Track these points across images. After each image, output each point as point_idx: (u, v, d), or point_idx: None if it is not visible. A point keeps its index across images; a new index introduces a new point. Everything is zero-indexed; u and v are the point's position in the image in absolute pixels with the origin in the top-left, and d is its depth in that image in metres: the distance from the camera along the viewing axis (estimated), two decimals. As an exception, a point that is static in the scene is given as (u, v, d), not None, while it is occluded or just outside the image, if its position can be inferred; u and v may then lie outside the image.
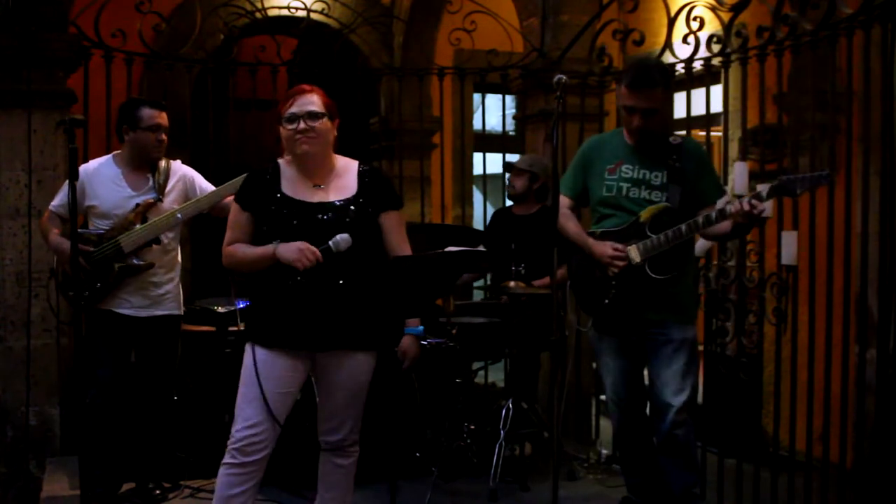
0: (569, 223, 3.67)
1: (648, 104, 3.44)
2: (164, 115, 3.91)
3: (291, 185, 3.02)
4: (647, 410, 3.76)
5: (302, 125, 2.97)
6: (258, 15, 5.67)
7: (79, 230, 3.79)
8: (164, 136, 3.90)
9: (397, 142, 7.22)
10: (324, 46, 6.67)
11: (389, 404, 4.41)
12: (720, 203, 3.46)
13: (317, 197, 3.01)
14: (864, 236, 3.76)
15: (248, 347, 3.01)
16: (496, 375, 5.88)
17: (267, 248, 2.94)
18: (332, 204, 3.00)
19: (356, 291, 2.98)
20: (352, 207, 3.01)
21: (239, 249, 3.03)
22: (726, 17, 4.26)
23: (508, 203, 5.24)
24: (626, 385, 3.70)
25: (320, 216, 2.97)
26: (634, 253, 3.48)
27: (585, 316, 3.84)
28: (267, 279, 2.99)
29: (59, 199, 3.88)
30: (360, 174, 3.10)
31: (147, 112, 3.85)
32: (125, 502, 3.99)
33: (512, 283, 4.40)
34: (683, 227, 3.41)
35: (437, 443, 4.41)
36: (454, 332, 4.53)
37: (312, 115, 2.99)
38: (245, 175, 3.14)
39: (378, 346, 3.16)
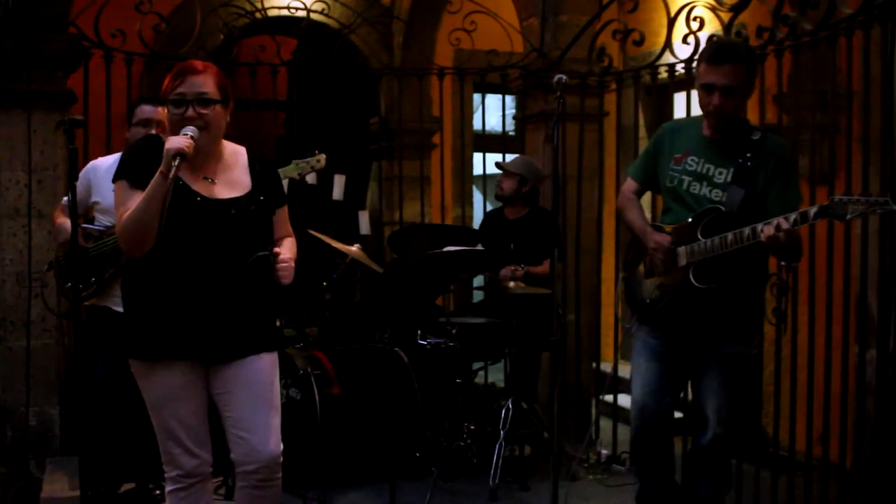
0: (631, 209, 3.47)
1: (728, 81, 3.13)
2: (159, 110, 3.84)
3: (181, 171, 2.62)
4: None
5: (190, 111, 2.64)
6: (258, 15, 5.68)
7: (84, 225, 3.82)
8: (155, 131, 3.80)
9: (397, 142, 7.22)
10: (324, 46, 6.68)
11: (389, 404, 4.41)
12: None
13: (209, 192, 2.72)
14: (864, 236, 3.76)
15: (136, 365, 2.76)
16: (496, 375, 5.88)
17: (154, 180, 2.53)
18: (228, 202, 2.72)
19: (252, 292, 2.75)
20: (249, 206, 2.75)
21: (127, 212, 2.59)
22: (726, 17, 4.27)
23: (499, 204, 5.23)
24: (655, 392, 3.40)
25: (217, 215, 2.70)
26: (682, 255, 3.24)
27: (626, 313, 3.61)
28: (151, 281, 2.70)
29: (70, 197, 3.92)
30: (251, 164, 2.82)
31: (140, 108, 3.86)
32: (125, 502, 3.99)
33: (511, 284, 4.40)
34: (730, 235, 3.09)
35: (437, 443, 4.41)
36: (454, 332, 4.54)
37: (204, 101, 2.65)
38: (128, 149, 2.79)
39: (274, 346, 2.87)
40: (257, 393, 2.77)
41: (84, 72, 4.75)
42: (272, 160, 3.00)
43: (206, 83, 2.68)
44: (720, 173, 3.24)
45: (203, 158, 2.72)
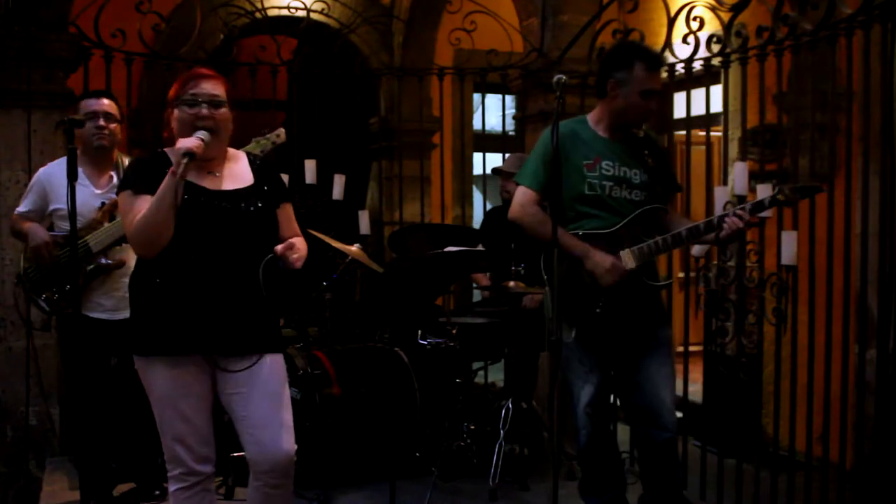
0: (549, 224, 3.25)
1: (661, 85, 3.34)
2: (102, 101, 3.83)
3: (191, 174, 2.76)
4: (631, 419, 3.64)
5: (204, 111, 2.77)
6: (258, 15, 5.67)
7: (51, 232, 3.80)
8: (103, 123, 3.80)
9: (397, 142, 7.22)
10: (324, 46, 6.67)
11: (389, 404, 4.41)
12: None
13: (214, 185, 2.82)
14: (863, 236, 3.76)
15: (141, 362, 2.80)
16: (496, 375, 5.88)
17: (165, 181, 2.63)
18: (232, 193, 2.83)
19: (258, 290, 2.78)
20: (253, 198, 2.84)
21: (140, 215, 2.68)
22: (726, 17, 4.26)
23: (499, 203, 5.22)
24: (604, 396, 3.48)
25: (223, 205, 2.79)
26: (629, 258, 3.29)
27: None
28: (159, 276, 2.75)
29: (24, 206, 3.87)
30: (252, 164, 2.94)
31: (83, 103, 3.83)
32: (125, 503, 4.00)
33: (512, 284, 4.40)
34: (683, 231, 3.25)
35: (437, 443, 4.41)
36: (454, 332, 4.54)
37: (216, 103, 2.80)
38: (132, 162, 2.93)
39: (281, 347, 2.92)
40: (271, 393, 2.82)
41: (84, 72, 4.74)
42: (272, 159, 3.10)
43: (216, 87, 2.82)
44: (635, 174, 3.36)
45: (211, 160, 2.84)
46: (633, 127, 3.42)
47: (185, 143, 2.69)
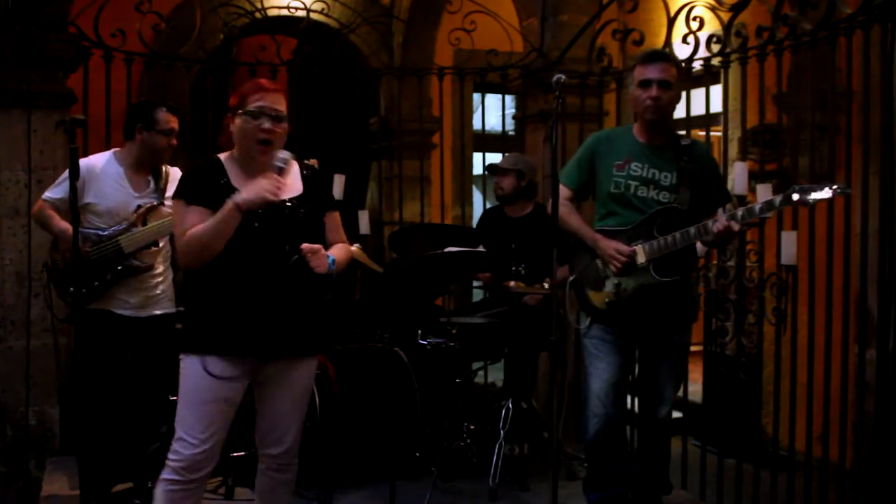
0: (571, 216, 3.58)
1: (664, 76, 3.38)
2: (176, 119, 3.95)
3: (239, 181, 2.87)
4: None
5: (267, 124, 2.83)
6: (258, 15, 5.67)
7: (81, 229, 3.79)
8: (174, 141, 3.93)
9: (397, 142, 7.22)
10: (324, 46, 6.67)
11: (389, 404, 4.41)
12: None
13: None
14: (863, 236, 3.76)
15: (186, 358, 2.86)
16: (496, 375, 5.88)
17: (225, 205, 2.72)
18: (283, 202, 2.87)
19: (305, 294, 2.88)
20: (302, 207, 2.92)
21: (195, 230, 2.76)
22: (726, 17, 4.27)
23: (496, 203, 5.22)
24: (618, 388, 3.57)
25: (273, 216, 2.84)
26: (640, 253, 3.41)
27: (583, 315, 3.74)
28: (210, 281, 2.84)
29: (57, 193, 3.87)
30: (303, 174, 3.00)
31: (163, 115, 3.89)
32: (123, 501, 3.99)
33: (512, 284, 4.40)
34: (692, 229, 3.34)
35: (437, 443, 4.41)
36: (454, 332, 4.54)
37: (279, 118, 2.87)
38: (189, 169, 2.99)
39: (323, 350, 3.02)
40: (296, 398, 2.96)
41: (84, 72, 4.74)
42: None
43: (279, 102, 2.88)
44: (665, 177, 3.47)
45: (262, 166, 2.87)
46: (644, 118, 3.48)
47: (260, 191, 2.72)
